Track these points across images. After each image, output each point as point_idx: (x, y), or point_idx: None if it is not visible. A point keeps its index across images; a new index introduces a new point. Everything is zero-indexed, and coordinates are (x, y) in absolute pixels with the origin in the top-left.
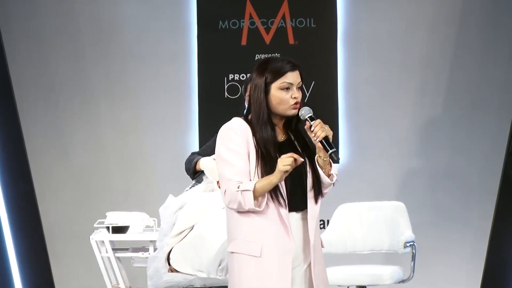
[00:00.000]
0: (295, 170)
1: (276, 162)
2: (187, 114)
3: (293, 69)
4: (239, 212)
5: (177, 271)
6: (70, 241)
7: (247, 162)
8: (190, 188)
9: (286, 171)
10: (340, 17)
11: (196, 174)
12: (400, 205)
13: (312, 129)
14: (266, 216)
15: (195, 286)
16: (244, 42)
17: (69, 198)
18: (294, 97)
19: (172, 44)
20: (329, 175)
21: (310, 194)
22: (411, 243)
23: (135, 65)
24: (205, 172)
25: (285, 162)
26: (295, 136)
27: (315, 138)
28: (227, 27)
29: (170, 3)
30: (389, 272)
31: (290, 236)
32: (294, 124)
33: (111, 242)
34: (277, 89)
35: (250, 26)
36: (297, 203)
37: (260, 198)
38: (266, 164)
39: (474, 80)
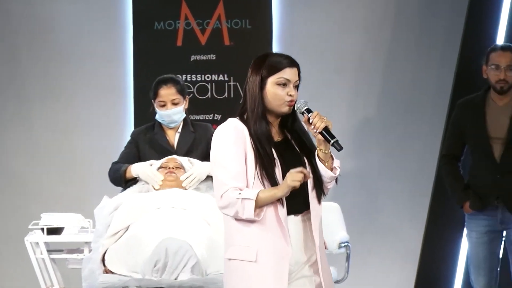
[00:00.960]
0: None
1: (273, 159)
2: (122, 115)
3: (291, 65)
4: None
5: (112, 272)
6: (5, 243)
7: (243, 164)
8: (125, 189)
9: (295, 187)
10: (275, 18)
11: (128, 182)
12: (335, 205)
13: (310, 121)
14: (263, 220)
15: (130, 287)
16: (179, 43)
17: (3, 199)
18: (290, 95)
19: (107, 44)
20: (331, 169)
21: (312, 194)
22: (346, 244)
23: (70, 66)
24: (143, 179)
25: (295, 177)
26: (292, 135)
27: (315, 130)
28: (163, 27)
29: (106, 3)
30: None
31: (288, 241)
32: (290, 123)
33: (46, 243)
34: (273, 84)
35: (186, 27)
36: (297, 206)
37: (259, 209)
38: (264, 162)
39: (407, 82)
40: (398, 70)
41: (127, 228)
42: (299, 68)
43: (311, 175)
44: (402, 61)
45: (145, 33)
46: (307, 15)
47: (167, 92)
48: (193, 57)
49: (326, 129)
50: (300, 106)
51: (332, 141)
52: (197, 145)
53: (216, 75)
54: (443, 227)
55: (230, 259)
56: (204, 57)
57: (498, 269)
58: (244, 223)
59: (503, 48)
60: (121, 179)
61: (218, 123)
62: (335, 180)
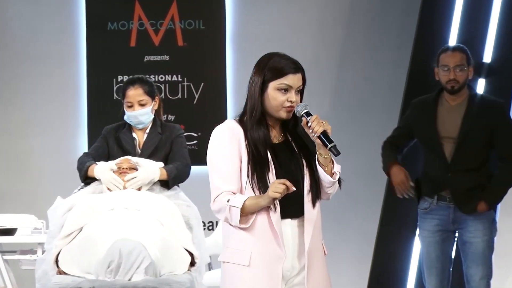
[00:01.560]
0: (290, 176)
1: (267, 163)
2: (76, 115)
3: (295, 71)
4: None
5: (65, 273)
6: None
7: (236, 166)
8: (79, 190)
9: (276, 198)
10: (228, 19)
11: (87, 179)
12: None
13: (309, 124)
14: (257, 224)
15: None
16: (133, 43)
17: None
18: (290, 101)
19: (60, 45)
20: (332, 174)
21: (307, 198)
22: None
23: (23, 66)
24: (104, 184)
25: (277, 188)
26: (293, 138)
27: (313, 134)
28: (116, 28)
29: (59, 3)
30: None
31: (281, 244)
32: (291, 125)
33: None
34: (274, 89)
35: (139, 28)
36: (292, 210)
37: (248, 215)
38: (256, 165)
39: (360, 82)
40: (352, 70)
41: (80, 229)
42: (303, 72)
43: (294, 188)
44: (355, 60)
45: (98, 33)
46: (260, 15)
47: (134, 93)
48: (146, 58)
49: (324, 133)
50: (299, 109)
51: (329, 146)
52: (162, 146)
53: (170, 76)
54: (396, 227)
55: (224, 262)
56: (157, 58)
57: (451, 269)
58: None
59: (453, 49)
60: (81, 173)
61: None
62: (338, 185)
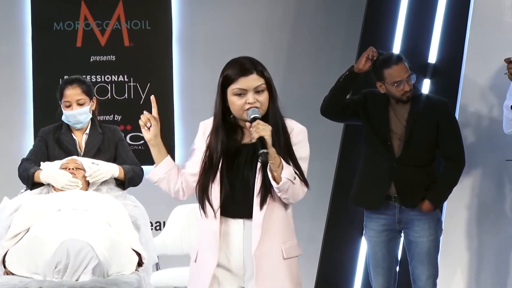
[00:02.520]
0: (241, 178)
1: (214, 173)
2: (22, 115)
3: (245, 74)
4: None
5: (13, 274)
6: None
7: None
8: (26, 190)
9: (143, 126)
10: (175, 19)
11: (35, 186)
12: None
13: (250, 129)
14: (206, 223)
15: None
16: (79, 43)
17: None
18: (248, 103)
19: (6, 45)
20: (280, 178)
21: (256, 201)
22: None
23: None
24: (51, 183)
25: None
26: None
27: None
28: (62, 28)
29: (4, 3)
30: None
31: (216, 242)
32: None
33: None
34: (231, 94)
35: (85, 28)
36: (236, 210)
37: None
38: (207, 170)
39: (307, 84)
40: (298, 71)
41: (27, 230)
42: (259, 71)
43: (150, 114)
44: (302, 61)
45: (44, 33)
46: (207, 16)
47: (72, 93)
48: (92, 58)
49: (261, 139)
50: (249, 113)
51: (260, 151)
52: (106, 147)
53: (116, 76)
54: (343, 227)
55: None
56: (104, 58)
57: (397, 269)
58: (200, 223)
59: (396, 62)
60: (27, 180)
61: (118, 124)
62: (306, 187)
